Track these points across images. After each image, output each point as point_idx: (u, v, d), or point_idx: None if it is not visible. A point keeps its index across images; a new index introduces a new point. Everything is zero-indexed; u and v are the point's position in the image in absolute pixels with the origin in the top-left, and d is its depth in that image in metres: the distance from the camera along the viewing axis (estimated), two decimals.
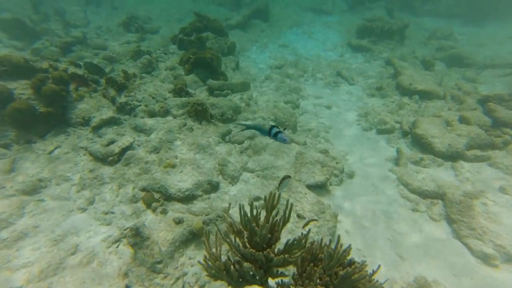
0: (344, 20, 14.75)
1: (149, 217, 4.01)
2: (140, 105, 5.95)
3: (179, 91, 6.54)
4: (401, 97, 8.01)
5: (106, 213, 4.07)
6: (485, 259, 4.04)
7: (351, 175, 5.43)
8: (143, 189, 4.26)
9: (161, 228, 3.76)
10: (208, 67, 7.58)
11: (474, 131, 6.24)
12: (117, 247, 3.63)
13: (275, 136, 2.87)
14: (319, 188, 4.77)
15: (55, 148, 4.90)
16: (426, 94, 8.07)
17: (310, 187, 4.54)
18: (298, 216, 3.93)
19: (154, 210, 4.05)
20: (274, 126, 2.95)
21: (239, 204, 2.50)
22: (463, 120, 6.74)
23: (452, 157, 5.94)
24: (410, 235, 4.45)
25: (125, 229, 3.75)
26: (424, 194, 5.15)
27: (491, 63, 10.13)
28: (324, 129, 6.63)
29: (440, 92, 8.14)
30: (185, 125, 5.61)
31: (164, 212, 4.02)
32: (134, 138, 5.07)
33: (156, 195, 4.20)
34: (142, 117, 5.77)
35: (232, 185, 4.85)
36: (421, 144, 6.24)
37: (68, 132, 5.24)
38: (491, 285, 3.74)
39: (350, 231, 4.34)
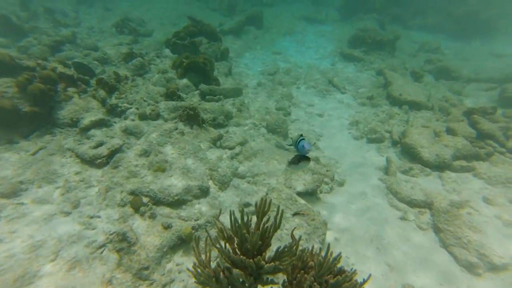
0: (336, 30, 15.08)
1: (136, 222, 3.93)
2: (131, 108, 5.89)
3: (171, 95, 6.51)
4: (391, 107, 8.21)
5: (92, 217, 3.96)
6: (469, 268, 4.13)
7: (341, 183, 5.49)
8: (132, 193, 4.19)
9: (149, 233, 3.69)
10: (200, 72, 7.59)
11: (460, 142, 6.43)
12: (102, 252, 3.53)
13: (297, 145, 2.63)
14: (309, 195, 4.80)
15: (40, 149, 4.77)
16: (415, 104, 8.29)
17: (300, 194, 4.56)
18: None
19: (142, 215, 3.97)
20: (301, 136, 2.69)
21: (230, 211, 2.49)
22: (450, 131, 6.94)
23: (439, 167, 6.09)
24: (399, 243, 4.51)
25: (111, 234, 3.66)
26: (412, 203, 5.25)
27: (476, 77, 10.52)
28: (315, 137, 6.70)
29: (428, 103, 8.38)
30: (176, 129, 5.57)
31: (153, 216, 3.95)
32: (123, 141, 5.00)
33: (145, 199, 4.13)
34: (133, 120, 5.70)
35: (222, 191, 4.82)
36: (410, 154, 6.37)
37: (55, 133, 5.12)
38: None
39: (340, 239, 4.37)
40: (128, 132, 5.34)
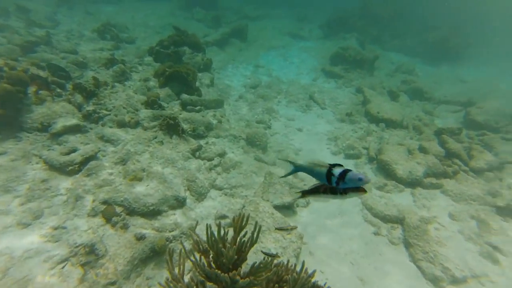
0: (319, 47, 15.69)
1: (107, 233, 3.81)
2: (110, 115, 5.78)
3: (152, 104, 6.48)
4: (369, 124, 8.58)
5: (56, 229, 3.74)
6: (435, 281, 4.36)
7: None
8: (104, 202, 4.08)
9: (120, 245, 3.59)
10: (183, 82, 7.62)
11: (431, 160, 6.81)
12: (63, 268, 3.31)
13: (342, 179, 1.90)
14: (286, 209, 4.88)
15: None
16: (391, 122, 8.72)
17: (277, 207, 4.63)
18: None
19: (114, 225, 3.87)
20: (334, 164, 1.99)
21: (206, 224, 2.51)
22: (422, 150, 7.34)
23: (412, 183, 6.40)
24: (371, 258, 4.65)
25: (77, 246, 3.50)
26: (386, 219, 5.46)
27: (445, 100, 11.28)
28: (294, 151, 6.86)
29: (403, 122, 8.84)
30: (155, 138, 5.53)
31: (125, 227, 3.86)
32: (99, 148, 4.89)
33: (118, 209, 4.04)
34: (111, 127, 5.59)
35: (199, 202, 4.80)
36: (385, 170, 6.66)
37: (20, 137, 4.89)
38: None
39: (314, 253, 4.45)
40: (104, 139, 5.23)
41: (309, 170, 2.14)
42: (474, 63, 17.78)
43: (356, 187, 1.97)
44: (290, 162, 2.47)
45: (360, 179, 1.87)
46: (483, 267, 4.65)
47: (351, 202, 5.73)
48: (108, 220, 3.90)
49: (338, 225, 5.14)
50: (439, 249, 4.74)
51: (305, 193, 2.28)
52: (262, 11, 20.24)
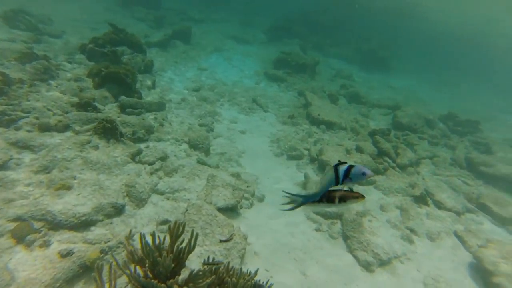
0: (263, 51, 16.19)
1: (17, 256, 3.27)
2: (28, 117, 5.14)
3: (85, 106, 5.97)
4: (311, 126, 9.10)
5: None
6: (367, 266, 4.84)
7: (261, 199, 5.76)
8: (16, 219, 3.56)
9: (36, 267, 3.15)
10: (121, 83, 7.18)
11: (366, 158, 7.50)
12: None
13: (346, 176, 1.95)
14: (230, 211, 4.90)
15: None
16: (331, 124, 9.39)
17: (220, 209, 4.63)
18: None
19: (28, 245, 3.37)
20: (339, 163, 2.02)
21: (140, 234, 2.40)
22: (358, 149, 8.03)
23: None
24: (313, 253, 4.93)
25: None
26: (326, 216, 5.84)
27: (378, 104, 12.57)
28: (237, 153, 6.93)
29: (342, 123, 9.58)
30: (89, 142, 5.09)
31: (46, 244, 3.43)
32: (10, 156, 4.30)
33: (38, 224, 3.59)
34: (30, 131, 4.97)
35: (140, 208, 4.55)
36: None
37: None
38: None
39: (259, 253, 4.55)
40: (19, 145, 4.63)
41: (322, 190, 2.08)
42: (400, 73, 20.22)
43: (355, 196, 2.07)
44: (295, 195, 2.39)
45: (363, 174, 1.95)
46: (403, 248, 5.39)
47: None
48: (20, 239, 3.38)
49: (282, 225, 5.33)
50: (371, 238, 5.24)
51: (301, 204, 2.27)
52: (206, 14, 20.20)
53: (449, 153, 9.82)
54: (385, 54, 20.37)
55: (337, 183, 2.02)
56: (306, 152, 7.69)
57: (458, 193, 7.70)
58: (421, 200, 6.78)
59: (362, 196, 2.10)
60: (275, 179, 6.58)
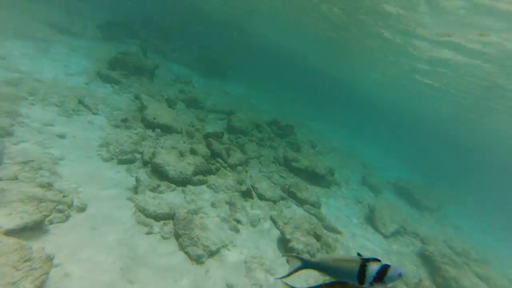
0: (96, 48, 14.42)
1: None
2: None
3: None
4: (145, 130, 8.86)
5: None
6: (198, 259, 5.26)
7: (82, 208, 5.14)
8: None
9: None
10: None
11: (199, 160, 8.06)
12: None
13: (380, 278, 1.55)
14: (30, 230, 4.08)
15: None
16: (167, 128, 9.49)
17: (13, 231, 3.76)
18: None
19: None
20: (368, 259, 1.63)
21: None
22: (192, 151, 8.51)
23: (183, 182, 7.27)
24: (144, 258, 4.84)
25: None
26: (158, 217, 5.87)
27: (214, 109, 13.82)
28: (52, 160, 5.87)
29: (178, 127, 9.86)
30: None
31: None
32: None
33: None
34: None
35: None
36: (159, 172, 7.15)
37: None
38: (200, 277, 4.88)
39: (72, 272, 4.02)
40: None
41: (329, 268, 1.73)
42: (236, 81, 23.02)
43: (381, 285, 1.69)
44: (299, 258, 1.96)
45: (399, 275, 1.64)
46: (230, 237, 6.18)
47: (122, 208, 5.70)
48: None
49: (107, 233, 4.95)
50: (201, 233, 5.71)
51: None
52: None
53: (272, 153, 12.07)
54: (224, 64, 22.67)
55: (360, 283, 1.68)
56: (139, 156, 7.44)
57: (276, 185, 9.61)
58: (247, 194, 8.01)
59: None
60: (102, 185, 5.99)
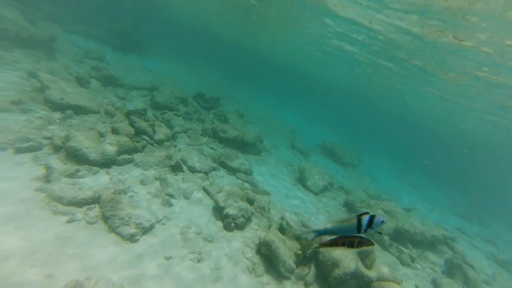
0: None
1: None
2: None
3: None
4: (52, 112, 7.81)
5: None
6: (131, 238, 5.12)
7: None
8: None
9: None
10: None
11: (123, 139, 7.56)
12: None
13: (369, 225, 2.18)
14: None
15: None
16: (81, 109, 8.52)
17: None
18: None
19: None
20: (361, 214, 2.23)
21: None
22: (114, 131, 7.91)
23: (106, 164, 6.78)
24: (65, 247, 4.49)
25: None
26: (81, 203, 5.43)
27: (135, 86, 12.84)
28: None
29: (95, 107, 8.94)
30: None
31: None
32: None
33: None
34: None
35: None
36: (76, 156, 6.50)
37: None
38: (134, 256, 4.81)
39: None
40: None
41: (336, 230, 2.30)
42: (154, 56, 21.50)
43: (366, 241, 2.33)
44: (313, 230, 2.54)
45: (382, 222, 2.25)
46: (164, 212, 6.12)
47: (30, 201, 5.09)
48: None
49: (9, 234, 4.40)
50: (132, 211, 5.53)
51: (322, 245, 2.39)
52: None
53: (200, 125, 11.94)
54: (138, 38, 20.78)
55: (359, 232, 2.32)
56: (46, 142, 6.58)
57: (207, 157, 9.67)
58: (177, 168, 7.90)
59: (372, 244, 2.44)
60: None
